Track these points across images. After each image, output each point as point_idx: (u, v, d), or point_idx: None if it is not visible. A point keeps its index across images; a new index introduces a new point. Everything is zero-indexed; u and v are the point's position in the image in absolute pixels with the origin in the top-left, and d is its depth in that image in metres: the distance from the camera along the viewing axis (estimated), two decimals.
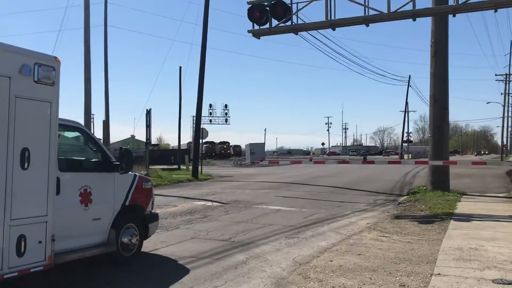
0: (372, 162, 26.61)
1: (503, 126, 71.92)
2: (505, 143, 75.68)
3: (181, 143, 58.78)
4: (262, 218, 11.18)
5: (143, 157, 27.55)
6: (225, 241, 8.40)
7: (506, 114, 68.26)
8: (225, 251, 7.60)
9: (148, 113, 26.63)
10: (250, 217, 11.31)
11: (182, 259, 7.08)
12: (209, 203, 14.21)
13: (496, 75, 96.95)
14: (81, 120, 18.63)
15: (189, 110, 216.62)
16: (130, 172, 7.06)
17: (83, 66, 21.23)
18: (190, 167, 28.37)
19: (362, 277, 5.90)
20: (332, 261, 6.77)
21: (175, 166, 36.46)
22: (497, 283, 5.46)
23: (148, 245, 7.72)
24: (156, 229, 7.92)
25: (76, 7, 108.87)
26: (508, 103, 69.73)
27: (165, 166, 35.88)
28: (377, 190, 18.46)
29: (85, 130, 6.86)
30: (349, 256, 7.05)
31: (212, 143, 76.38)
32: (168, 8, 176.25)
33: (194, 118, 28.40)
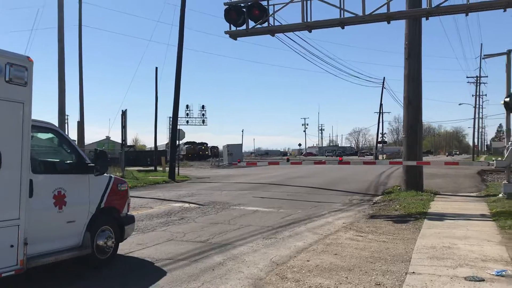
0: (347, 163, 26.94)
1: (474, 127, 73.82)
2: (476, 143, 77.61)
3: (159, 144, 58.24)
4: (240, 219, 11.18)
5: (119, 159, 27.22)
6: (202, 243, 8.37)
7: (477, 116, 70.01)
8: (202, 252, 7.58)
9: (124, 114, 26.34)
10: (227, 218, 11.30)
11: (158, 261, 7.03)
12: (186, 205, 14.13)
13: (467, 77, 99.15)
14: (55, 121, 18.28)
15: (166, 111, 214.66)
16: (105, 174, 6.96)
17: (57, 67, 20.84)
18: (167, 169, 28.15)
19: (338, 276, 5.97)
20: (309, 261, 6.82)
21: (152, 168, 36.15)
22: (469, 280, 5.59)
23: (124, 248, 7.63)
24: (132, 232, 7.84)
25: (50, 5, 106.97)
26: (479, 104, 71.54)
27: (141, 168, 35.55)
28: (353, 190, 18.68)
29: (59, 131, 6.73)
30: (325, 256, 7.11)
31: (193, 143, 75.03)
32: (144, 8, 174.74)
33: (171, 119, 28.17)
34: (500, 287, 5.35)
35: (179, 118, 29.63)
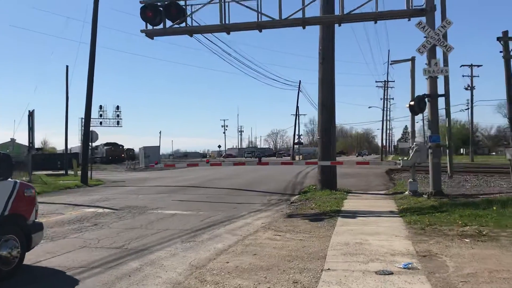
0: (266, 164, 27.38)
1: (382, 129, 78.70)
2: (384, 144, 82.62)
3: (72, 146, 55.11)
4: (158, 223, 10.92)
5: (25, 162, 25.43)
6: (118, 249, 8.06)
7: (385, 118, 74.57)
8: (118, 259, 7.29)
9: (31, 114, 24.70)
10: (144, 223, 10.98)
11: (70, 270, 6.64)
12: (100, 210, 13.54)
13: (376, 82, 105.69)
14: None
15: (78, 112, 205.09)
16: (9, 179, 6.47)
17: None
18: (79, 172, 26.82)
19: (257, 276, 6.02)
20: (228, 262, 6.82)
21: (63, 172, 34.31)
22: (380, 274, 5.91)
23: (32, 257, 7.13)
24: (41, 240, 7.34)
25: None
26: (387, 107, 76.29)
27: (51, 172, 33.63)
28: (272, 191, 19.02)
29: None
30: (245, 257, 7.15)
31: (115, 144, 70.43)
32: (53, 3, 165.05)
33: (83, 120, 26.84)
34: (406, 278, 5.71)
35: (92, 119, 28.29)
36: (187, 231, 9.76)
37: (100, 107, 56.81)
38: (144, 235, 9.33)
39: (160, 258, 7.32)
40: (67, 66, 34.62)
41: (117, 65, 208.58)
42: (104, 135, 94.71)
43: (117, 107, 58.05)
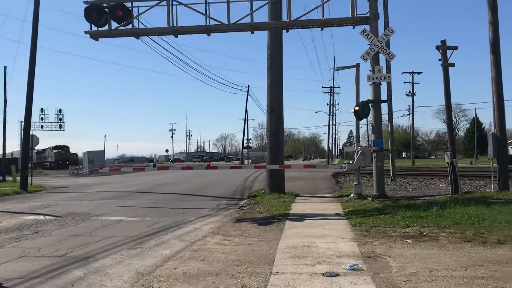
0: (215, 168, 27.28)
1: (329, 133, 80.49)
2: (330, 148, 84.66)
3: (13, 151, 52.39)
4: (103, 230, 10.58)
5: None
6: (60, 257, 7.73)
7: (331, 123, 76.46)
8: (60, 268, 6.98)
9: None
10: (88, 230, 10.60)
11: (7, 281, 6.29)
12: (41, 217, 12.95)
13: (323, 87, 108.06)
14: None
15: (17, 115, 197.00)
16: None
17: None
18: (19, 178, 25.54)
19: (205, 282, 5.96)
20: (176, 268, 6.71)
21: (0, 178, 32.57)
22: (326, 276, 6.02)
23: None
24: None
25: None
26: (333, 112, 78.24)
27: None
28: (220, 195, 18.95)
29: None
30: (193, 262, 7.07)
31: (64, 147, 66.61)
32: None
33: (23, 123, 25.62)
34: (352, 279, 5.85)
35: (32, 123, 27.08)
36: (133, 238, 9.52)
37: (42, 110, 54.48)
38: (88, 243, 9.01)
39: (105, 266, 7.09)
40: (5, 67, 32.88)
41: (60, 67, 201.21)
42: (46, 139, 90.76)
43: (60, 110, 55.83)
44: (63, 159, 63.09)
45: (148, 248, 8.49)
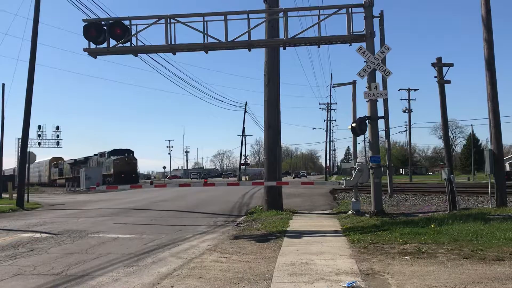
0: (212, 185, 27.16)
1: (326, 150, 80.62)
2: (328, 164, 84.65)
3: (10, 168, 52.04)
4: (99, 248, 10.49)
5: None
6: (56, 275, 7.65)
7: (328, 139, 76.64)
8: (55, 286, 6.91)
9: None
10: (85, 248, 10.52)
11: None
12: (38, 235, 12.84)
13: (320, 104, 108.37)
14: None
15: (15, 132, 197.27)
16: None
17: None
18: (15, 195, 25.41)
19: None
20: (173, 286, 6.65)
21: None
22: None
23: None
24: None
25: None
26: (330, 129, 78.52)
27: None
28: (218, 212, 18.86)
29: None
30: (190, 280, 7.01)
31: (128, 152, 57.58)
32: None
33: (20, 140, 25.58)
34: None
35: (30, 140, 27.11)
36: (130, 255, 9.44)
37: (39, 127, 54.72)
38: (84, 260, 8.93)
39: (101, 284, 7.02)
40: (3, 84, 32.96)
41: (58, 84, 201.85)
42: (44, 156, 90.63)
43: (57, 127, 56.11)
44: (127, 170, 50.09)
45: (145, 265, 8.42)
